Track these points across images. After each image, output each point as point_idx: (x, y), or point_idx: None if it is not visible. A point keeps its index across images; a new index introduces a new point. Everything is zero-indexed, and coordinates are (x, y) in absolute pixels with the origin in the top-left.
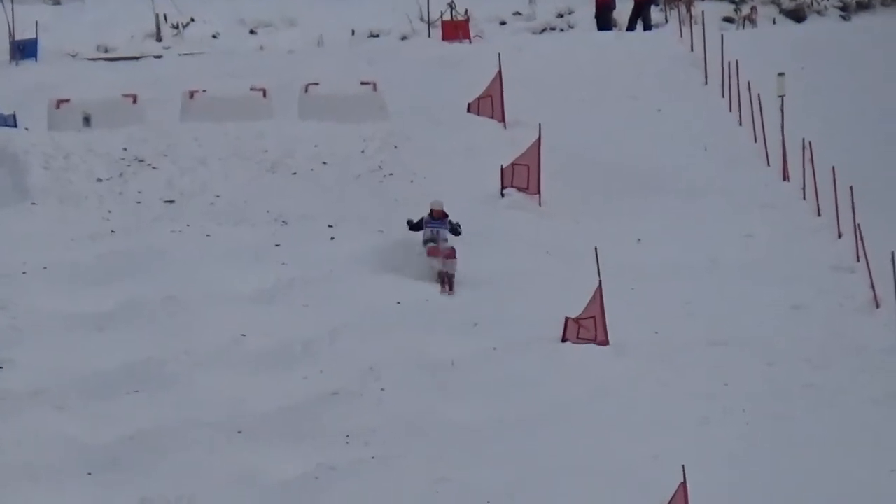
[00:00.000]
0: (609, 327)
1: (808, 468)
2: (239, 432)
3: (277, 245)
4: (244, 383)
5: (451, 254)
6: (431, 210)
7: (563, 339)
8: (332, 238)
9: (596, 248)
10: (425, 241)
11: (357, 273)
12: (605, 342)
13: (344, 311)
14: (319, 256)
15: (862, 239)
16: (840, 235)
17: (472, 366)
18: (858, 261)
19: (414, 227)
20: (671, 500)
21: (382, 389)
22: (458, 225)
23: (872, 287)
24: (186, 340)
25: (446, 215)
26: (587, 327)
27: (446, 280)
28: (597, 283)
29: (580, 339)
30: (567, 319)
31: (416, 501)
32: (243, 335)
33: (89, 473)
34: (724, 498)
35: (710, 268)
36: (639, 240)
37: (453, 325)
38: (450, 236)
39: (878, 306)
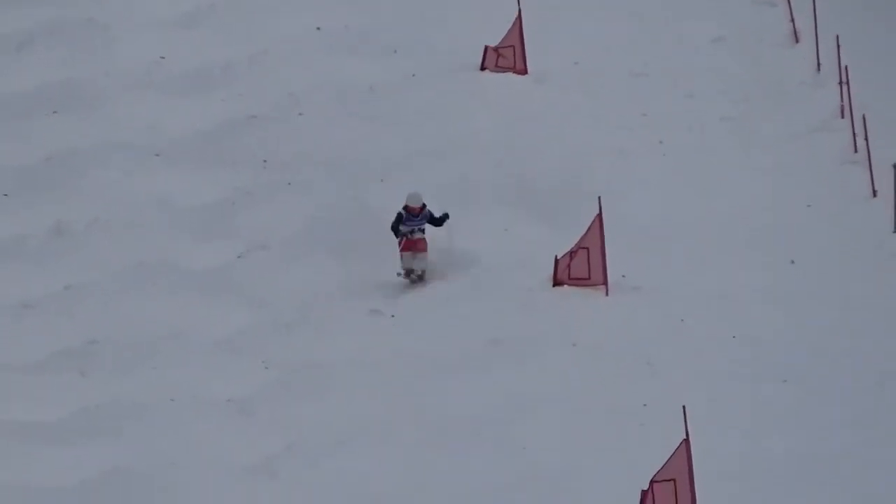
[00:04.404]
0: (528, 57)
1: (722, 196)
2: (156, 155)
3: None
4: (163, 105)
5: (423, 246)
6: (406, 206)
7: (482, 68)
8: None
9: None
10: (402, 234)
11: None
12: (524, 71)
13: (265, 36)
14: None
15: None
16: None
17: (391, 92)
18: None
19: (396, 228)
20: (588, 229)
21: (300, 114)
22: (444, 216)
23: (792, 20)
24: (106, 62)
25: (424, 207)
26: (506, 56)
27: (415, 276)
28: (516, 12)
29: (498, 68)
30: (486, 48)
31: (330, 227)
32: (163, 58)
33: (5, 195)
34: (640, 224)
35: None
36: None
37: (373, 51)
38: (427, 227)
39: (797, 40)
